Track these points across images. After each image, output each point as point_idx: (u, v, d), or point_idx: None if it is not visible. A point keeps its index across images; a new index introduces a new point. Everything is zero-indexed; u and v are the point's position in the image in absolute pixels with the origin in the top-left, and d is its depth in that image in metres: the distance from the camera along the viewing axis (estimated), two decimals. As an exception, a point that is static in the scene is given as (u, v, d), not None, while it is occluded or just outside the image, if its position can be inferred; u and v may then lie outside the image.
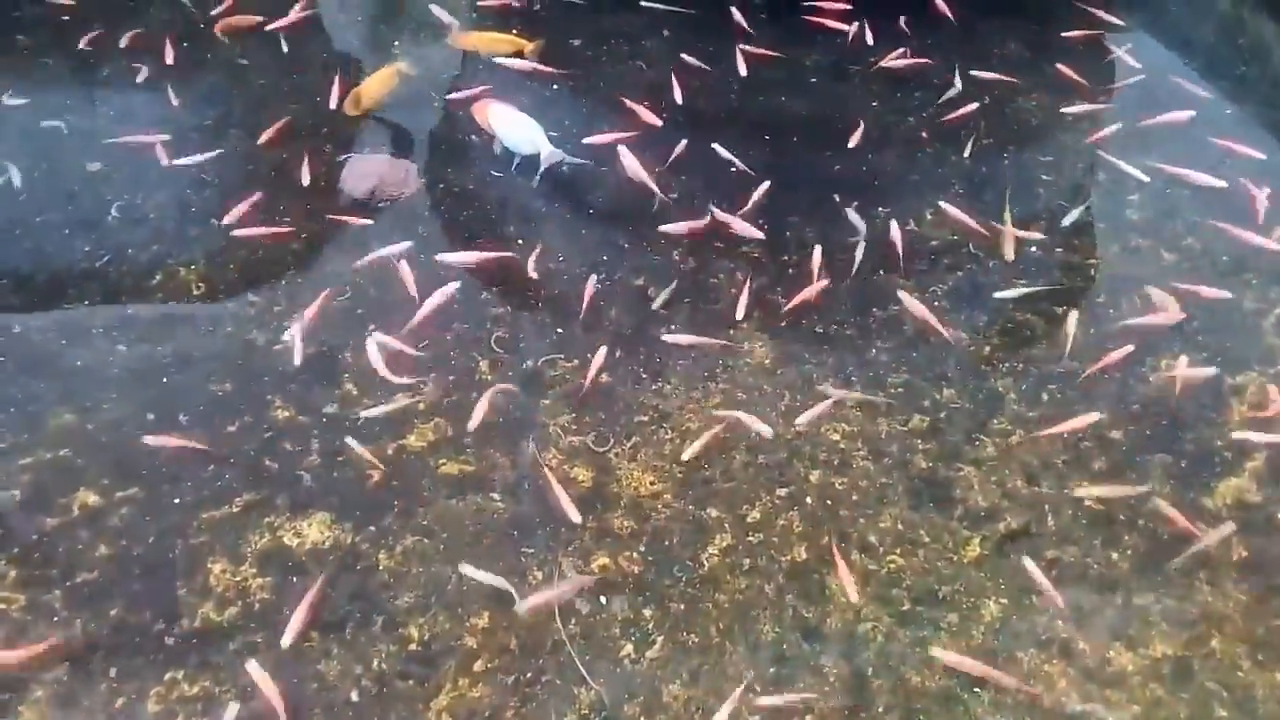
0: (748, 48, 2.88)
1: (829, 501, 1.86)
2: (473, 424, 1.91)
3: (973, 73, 2.85)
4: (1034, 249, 2.36)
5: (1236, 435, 1.96)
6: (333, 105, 2.68)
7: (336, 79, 2.73)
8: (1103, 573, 1.77)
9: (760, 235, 2.32)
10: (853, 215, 2.39)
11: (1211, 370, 2.07)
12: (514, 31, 2.92)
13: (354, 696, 1.58)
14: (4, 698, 1.55)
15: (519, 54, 2.82)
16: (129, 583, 1.70)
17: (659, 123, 2.61)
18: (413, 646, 1.64)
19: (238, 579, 1.71)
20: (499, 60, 2.78)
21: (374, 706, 1.57)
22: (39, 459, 1.86)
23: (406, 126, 2.69)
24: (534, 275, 2.24)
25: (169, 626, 1.65)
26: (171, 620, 1.65)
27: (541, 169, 2.44)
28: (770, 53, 2.87)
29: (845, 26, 2.98)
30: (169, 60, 2.77)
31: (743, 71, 2.83)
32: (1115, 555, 1.80)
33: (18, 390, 1.96)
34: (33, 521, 1.77)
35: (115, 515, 1.78)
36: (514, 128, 2.49)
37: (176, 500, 1.81)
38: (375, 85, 2.67)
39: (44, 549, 1.73)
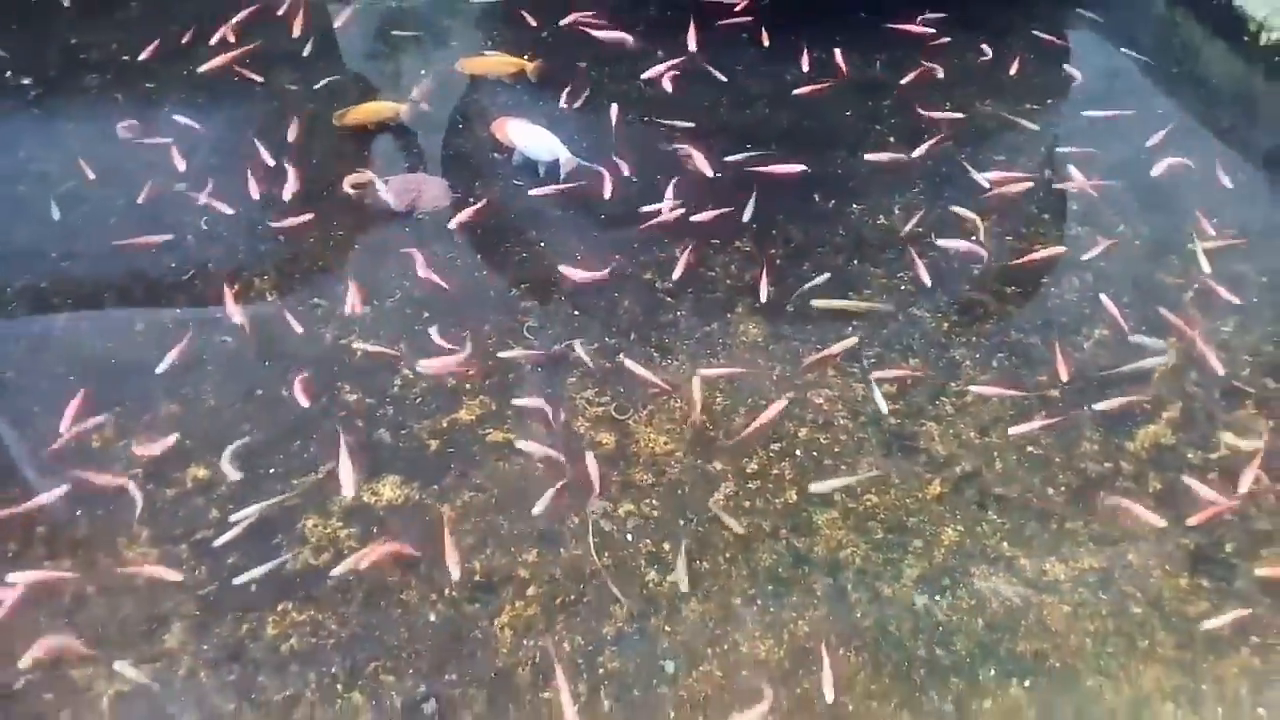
0: (737, 65, 3.25)
1: (815, 453, 2.23)
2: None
3: (935, 81, 3.23)
4: (986, 235, 2.74)
5: (1155, 391, 2.34)
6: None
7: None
8: (1041, 505, 2.14)
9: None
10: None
11: (1135, 336, 2.45)
12: (526, 56, 3.28)
13: (432, 617, 1.95)
14: (151, 627, 1.92)
15: (521, 74, 3.19)
16: (240, 536, 2.06)
17: (658, 135, 2.99)
18: (476, 577, 2.01)
19: (328, 530, 2.08)
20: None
21: (449, 625, 1.94)
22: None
23: (433, 146, 3.07)
24: (556, 272, 2.60)
25: (276, 569, 2.01)
26: (278, 565, 2.02)
27: (563, 174, 2.81)
28: (757, 71, 3.24)
29: (821, 48, 3.36)
30: (228, 94, 3.15)
31: (730, 88, 3.21)
32: (1051, 491, 2.17)
33: (129, 387, 2.33)
34: (156, 493, 2.14)
35: (222, 485, 2.15)
36: (534, 139, 2.86)
37: (271, 470, 2.18)
38: (367, 111, 3.06)
39: (167, 514, 2.10)
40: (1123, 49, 3.46)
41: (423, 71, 3.37)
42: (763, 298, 2.55)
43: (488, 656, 1.90)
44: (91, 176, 2.87)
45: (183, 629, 1.93)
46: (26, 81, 3.19)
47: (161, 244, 2.67)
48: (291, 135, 3.03)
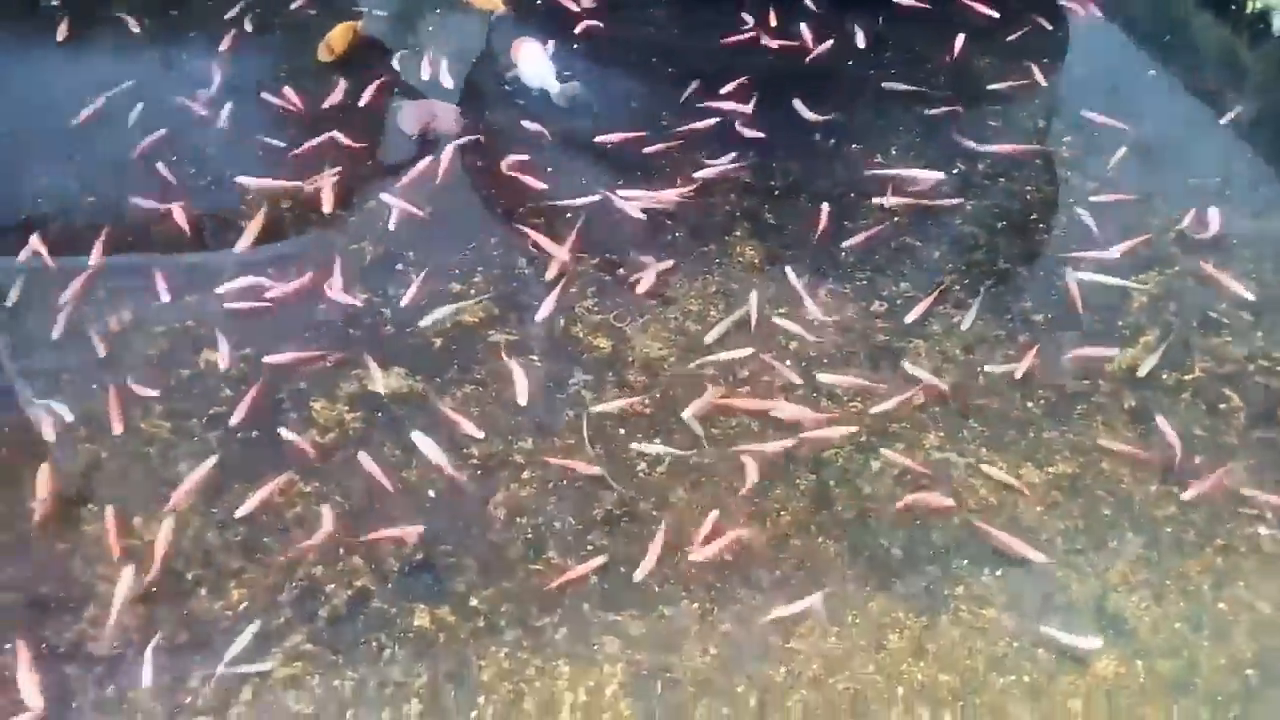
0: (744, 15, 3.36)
1: (804, 363, 2.31)
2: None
3: (936, 39, 3.34)
4: (979, 177, 2.84)
5: (1132, 319, 2.43)
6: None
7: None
8: (1020, 415, 2.23)
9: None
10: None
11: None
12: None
13: (431, 494, 2.04)
14: (162, 490, 2.01)
15: (494, 10, 3.31)
16: (251, 412, 2.15)
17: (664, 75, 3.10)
18: (474, 461, 2.09)
19: (334, 413, 2.17)
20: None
21: (448, 502, 2.02)
22: (170, 329, 2.33)
23: (446, 76, 3.20)
24: (559, 193, 2.70)
25: (283, 445, 2.10)
26: (284, 441, 2.11)
27: (556, 103, 2.96)
28: (762, 24, 3.35)
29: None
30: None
31: (734, 36, 3.32)
32: (1030, 404, 2.25)
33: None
34: (171, 374, 2.23)
35: (235, 369, 2.25)
36: (531, 66, 2.98)
37: (281, 359, 2.27)
38: (338, 37, 3.18)
39: (180, 391, 2.19)
40: (1115, 21, 3.58)
41: (438, 10, 3.48)
42: (759, 223, 2.65)
43: (482, 531, 1.98)
44: (118, 98, 2.99)
45: (195, 493, 2.02)
46: (55, 3, 3.31)
47: (186, 160, 2.79)
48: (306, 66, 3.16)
